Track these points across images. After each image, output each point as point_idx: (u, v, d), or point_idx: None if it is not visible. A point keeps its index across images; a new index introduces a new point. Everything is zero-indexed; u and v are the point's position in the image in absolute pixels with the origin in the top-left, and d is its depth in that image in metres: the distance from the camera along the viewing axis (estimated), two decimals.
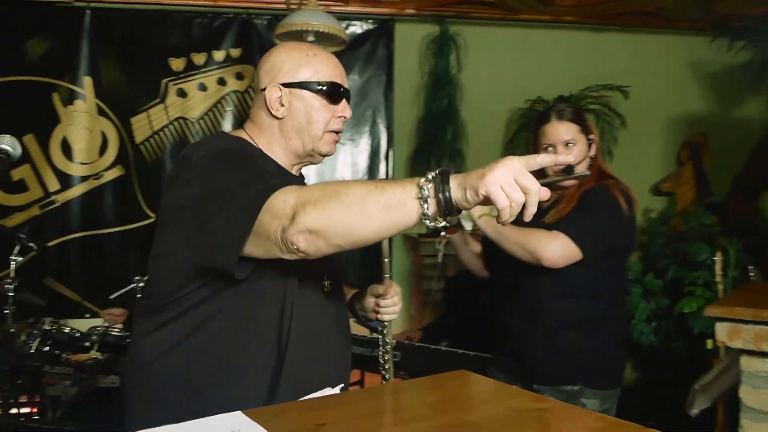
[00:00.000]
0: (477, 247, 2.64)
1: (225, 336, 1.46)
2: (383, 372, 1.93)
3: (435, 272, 4.63)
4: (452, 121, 4.88)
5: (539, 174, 2.25)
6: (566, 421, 1.05)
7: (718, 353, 3.76)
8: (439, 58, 4.93)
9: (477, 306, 3.81)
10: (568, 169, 2.20)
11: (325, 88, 1.59)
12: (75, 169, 4.60)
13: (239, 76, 4.83)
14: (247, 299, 1.46)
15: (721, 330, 1.85)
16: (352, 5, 4.85)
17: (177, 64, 4.74)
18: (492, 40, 5.14)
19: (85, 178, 4.60)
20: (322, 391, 1.39)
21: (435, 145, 4.84)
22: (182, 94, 4.75)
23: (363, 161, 4.96)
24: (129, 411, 1.53)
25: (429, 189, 1.18)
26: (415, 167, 4.95)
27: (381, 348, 1.89)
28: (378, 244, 1.44)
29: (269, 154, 1.62)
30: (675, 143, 5.40)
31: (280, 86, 1.58)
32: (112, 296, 3.07)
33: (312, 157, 1.67)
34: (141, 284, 2.98)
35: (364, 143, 4.96)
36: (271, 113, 1.59)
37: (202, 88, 4.78)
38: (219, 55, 4.80)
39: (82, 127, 4.60)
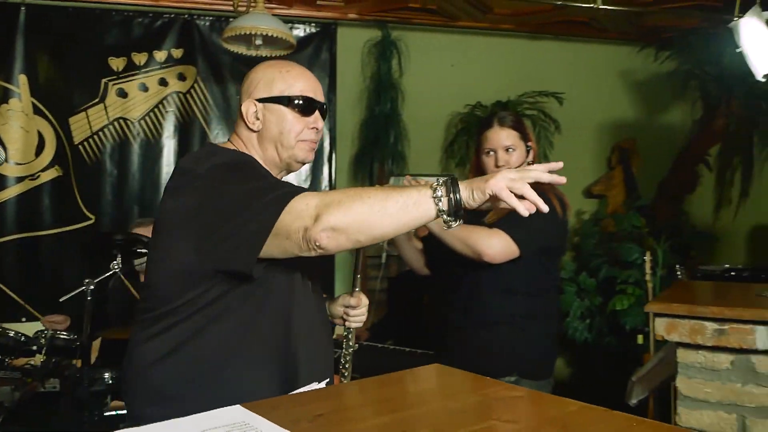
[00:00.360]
0: (419, 244, 2.74)
1: (230, 335, 1.53)
2: (343, 371, 2.02)
3: (378, 272, 4.72)
4: (394, 125, 4.97)
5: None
6: (543, 405, 1.14)
7: (648, 348, 3.96)
8: (382, 63, 5.02)
9: (420, 305, 3.91)
10: None
11: (296, 101, 1.70)
12: (10, 170, 4.48)
13: (181, 77, 4.79)
14: (253, 300, 1.54)
15: (660, 324, 1.98)
16: (296, 8, 4.89)
17: (117, 63, 4.68)
18: (432, 46, 5.26)
19: (20, 179, 4.49)
20: (309, 385, 1.45)
21: (377, 148, 4.93)
22: (122, 94, 4.69)
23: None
24: (132, 414, 1.59)
25: (442, 190, 1.34)
26: (358, 170, 5.02)
27: (344, 350, 1.99)
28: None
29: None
30: (605, 148, 5.64)
31: (255, 101, 1.71)
32: (63, 299, 3.02)
33: (290, 165, 1.77)
34: (92, 287, 2.95)
35: None
36: (248, 127, 1.71)
37: (143, 88, 4.73)
38: (160, 56, 4.76)
39: (17, 126, 4.49)
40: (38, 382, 3.00)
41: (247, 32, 3.51)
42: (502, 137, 2.45)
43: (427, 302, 3.81)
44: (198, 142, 4.81)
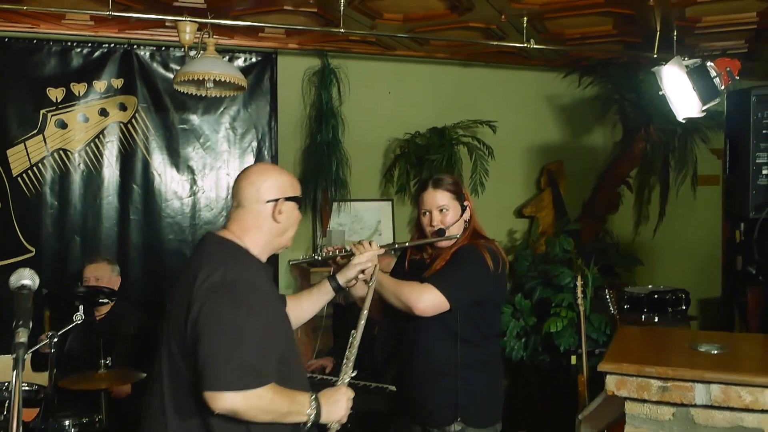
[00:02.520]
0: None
1: None
2: (345, 368, 2.27)
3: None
4: (335, 152, 5.10)
5: (421, 234, 2.60)
6: None
7: (582, 369, 4.24)
8: (322, 91, 5.14)
9: (371, 336, 4.03)
10: (440, 232, 2.63)
11: (299, 201, 2.17)
12: None
13: (122, 107, 4.78)
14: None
15: (611, 382, 2.21)
16: (237, 39, 4.94)
17: (56, 94, 4.63)
18: (370, 74, 5.41)
19: None
20: None
21: (320, 175, 5.05)
22: (62, 125, 4.65)
23: None
24: None
25: (313, 413, 1.96)
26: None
27: (348, 350, 2.29)
28: None
29: (251, 251, 2.06)
30: (535, 170, 5.94)
31: (284, 199, 2.08)
32: (33, 349, 3.02)
33: (281, 248, 2.19)
34: (55, 339, 2.97)
35: None
36: (275, 219, 2.06)
37: (84, 118, 4.70)
38: (100, 86, 4.74)
39: None
40: None
41: (200, 77, 3.57)
42: (437, 198, 2.65)
43: (377, 332, 3.95)
44: (140, 172, 4.82)
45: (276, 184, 2.09)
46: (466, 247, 2.61)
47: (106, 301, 3.36)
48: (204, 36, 3.71)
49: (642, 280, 5.83)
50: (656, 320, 4.70)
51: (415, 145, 5.27)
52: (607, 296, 4.35)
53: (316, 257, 2.68)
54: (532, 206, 5.75)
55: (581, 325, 4.26)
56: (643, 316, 4.72)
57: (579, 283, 4.31)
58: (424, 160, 5.17)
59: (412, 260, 2.79)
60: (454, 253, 2.61)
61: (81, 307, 3.07)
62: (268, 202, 2.06)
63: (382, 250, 2.61)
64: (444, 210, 2.63)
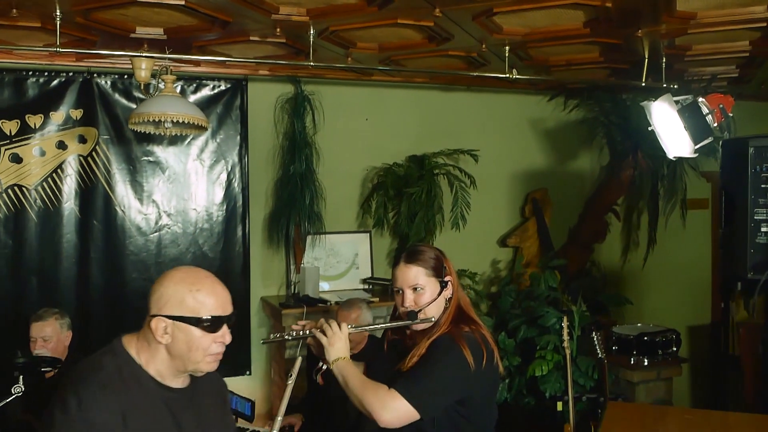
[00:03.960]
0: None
1: None
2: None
3: (297, 341, 4.59)
4: (309, 183, 4.84)
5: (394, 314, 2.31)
6: None
7: (568, 417, 4.02)
8: (295, 119, 4.88)
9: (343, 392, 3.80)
10: (410, 315, 2.30)
11: (206, 323, 1.79)
12: None
13: (82, 139, 4.51)
14: None
15: None
16: (204, 66, 4.67)
17: (9, 126, 4.35)
18: (346, 100, 5.17)
19: None
20: None
21: (293, 208, 4.79)
22: (17, 159, 4.37)
23: (218, 225, 4.81)
24: None
25: None
26: (273, 231, 4.88)
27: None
28: None
29: (146, 369, 1.79)
30: (519, 198, 5.71)
31: (164, 317, 1.76)
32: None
33: (195, 372, 1.86)
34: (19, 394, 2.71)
35: (219, 206, 4.81)
36: (157, 340, 1.77)
37: (40, 152, 4.42)
38: (58, 117, 4.46)
39: None
40: None
41: (156, 119, 3.32)
42: (409, 276, 2.31)
43: None
44: (102, 208, 4.55)
45: (161, 297, 1.77)
46: (442, 340, 2.26)
47: (48, 369, 3.09)
48: (161, 73, 3.44)
49: (631, 310, 5.63)
50: (645, 363, 4.48)
51: (393, 176, 5.02)
52: (595, 339, 4.12)
53: (286, 336, 2.44)
54: (516, 236, 5.52)
55: (567, 370, 4.04)
56: (632, 359, 4.50)
57: (565, 324, 4.09)
58: (403, 193, 4.93)
59: (392, 342, 2.48)
60: (430, 345, 2.27)
61: (21, 378, 2.80)
62: (151, 317, 1.77)
63: (353, 331, 2.37)
64: (418, 289, 2.31)
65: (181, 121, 3.34)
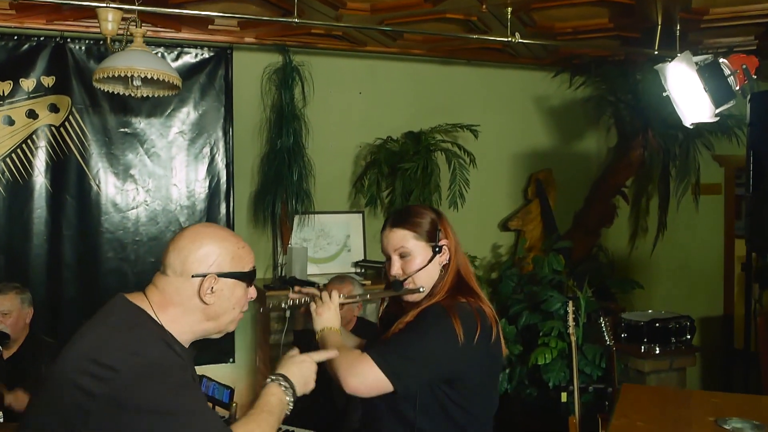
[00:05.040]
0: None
1: None
2: None
3: (282, 325, 4.30)
4: (298, 159, 4.54)
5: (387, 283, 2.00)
6: None
7: (573, 409, 3.72)
8: (284, 91, 4.57)
9: (328, 381, 3.49)
10: (395, 285, 2.01)
11: (250, 276, 1.75)
12: None
13: (53, 108, 4.21)
14: None
15: None
16: (186, 31, 4.38)
17: None
18: (338, 72, 4.86)
19: None
20: None
21: (280, 185, 4.48)
22: None
23: (200, 202, 4.52)
24: None
25: (289, 392, 1.71)
26: (258, 209, 4.57)
27: None
28: None
29: (169, 329, 1.65)
30: (521, 179, 5.39)
31: (215, 275, 1.67)
32: None
33: (221, 333, 1.77)
34: None
35: (201, 183, 4.51)
36: (201, 299, 1.67)
37: (9, 121, 4.12)
38: (28, 84, 4.16)
39: None
40: None
41: (122, 74, 3.01)
42: (395, 240, 2.02)
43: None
44: (75, 182, 4.25)
45: (210, 254, 1.69)
46: (432, 309, 1.96)
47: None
48: (130, 25, 3.14)
49: (640, 299, 5.32)
50: (657, 351, 4.17)
51: (387, 152, 4.71)
52: (603, 324, 3.82)
53: (284, 305, 2.15)
54: (518, 219, 5.20)
55: (573, 358, 3.73)
56: (642, 347, 4.18)
57: (570, 309, 3.77)
58: (397, 169, 4.61)
59: (385, 313, 2.18)
60: (418, 314, 1.97)
61: None
62: (194, 276, 1.66)
63: (345, 302, 2.11)
64: (405, 255, 2.01)
65: (150, 77, 3.03)
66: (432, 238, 2.02)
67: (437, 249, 2.02)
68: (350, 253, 4.85)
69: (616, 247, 5.58)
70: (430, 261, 2.01)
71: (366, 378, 1.84)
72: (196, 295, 1.66)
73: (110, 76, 3.03)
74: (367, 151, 4.92)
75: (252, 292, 1.78)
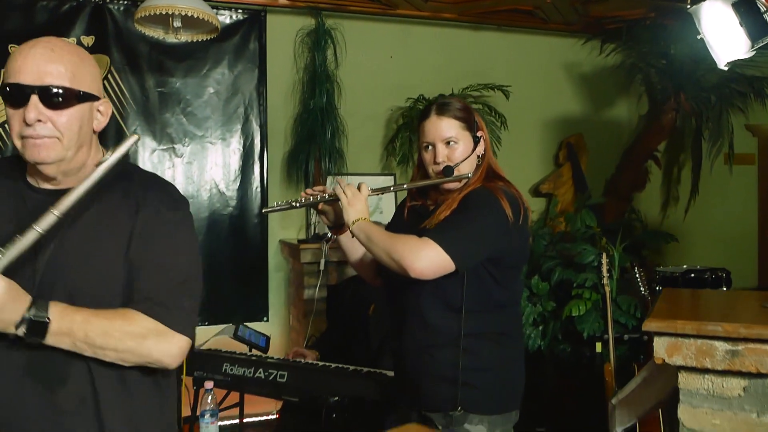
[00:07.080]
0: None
1: None
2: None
3: (317, 280, 4.34)
4: (331, 120, 4.59)
5: (424, 175, 2.01)
6: None
7: (608, 357, 3.70)
8: (316, 53, 4.63)
9: (366, 315, 3.53)
10: (447, 170, 2.06)
11: (7, 90, 1.39)
12: None
13: None
14: None
15: (661, 345, 1.65)
16: None
17: None
18: (370, 35, 4.91)
19: None
20: None
21: (313, 145, 4.54)
22: None
23: (235, 162, 4.58)
24: None
25: None
26: (292, 168, 4.63)
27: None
28: None
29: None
30: (552, 144, 5.40)
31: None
32: None
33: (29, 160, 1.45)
34: None
35: (236, 143, 4.58)
36: None
37: None
38: None
39: None
40: None
41: (163, 11, 3.09)
42: (442, 128, 2.07)
43: (372, 312, 3.44)
44: (113, 141, 4.33)
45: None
46: (478, 192, 2.03)
47: None
48: None
49: (672, 263, 5.28)
50: None
51: (419, 113, 4.74)
52: (637, 275, 3.80)
53: (293, 203, 2.17)
54: (549, 182, 5.20)
55: (607, 309, 3.71)
56: None
57: (604, 260, 3.76)
58: None
59: (412, 208, 2.21)
60: (463, 198, 2.03)
61: None
62: None
63: (374, 194, 2.14)
64: (452, 143, 2.06)
65: (190, 15, 3.10)
66: (472, 128, 2.10)
67: (476, 139, 2.09)
68: (382, 215, 4.87)
69: (648, 213, 5.55)
70: (473, 151, 2.06)
71: (432, 261, 1.91)
72: None
73: (152, 14, 3.11)
74: (399, 114, 4.95)
75: (24, 114, 1.38)
